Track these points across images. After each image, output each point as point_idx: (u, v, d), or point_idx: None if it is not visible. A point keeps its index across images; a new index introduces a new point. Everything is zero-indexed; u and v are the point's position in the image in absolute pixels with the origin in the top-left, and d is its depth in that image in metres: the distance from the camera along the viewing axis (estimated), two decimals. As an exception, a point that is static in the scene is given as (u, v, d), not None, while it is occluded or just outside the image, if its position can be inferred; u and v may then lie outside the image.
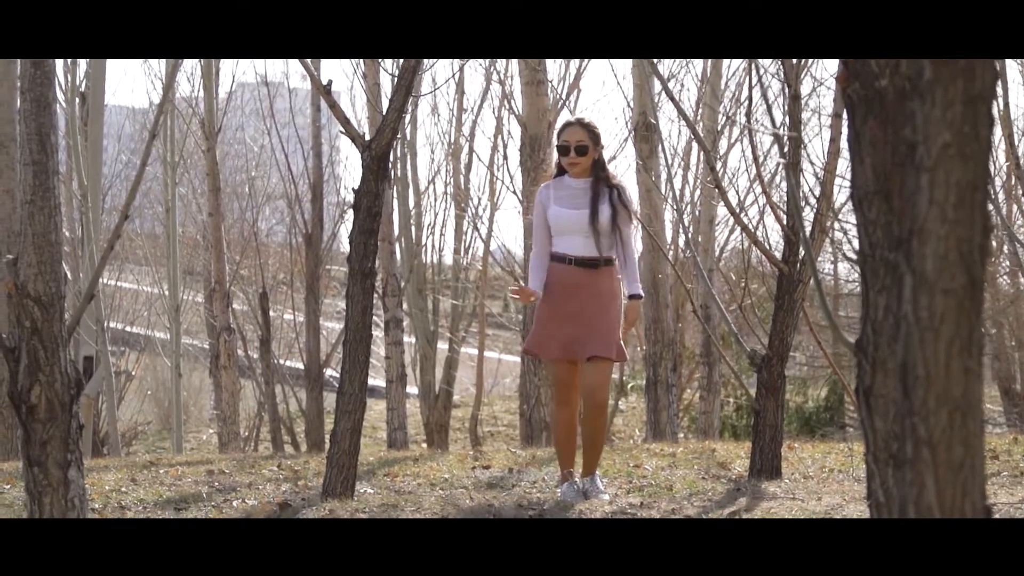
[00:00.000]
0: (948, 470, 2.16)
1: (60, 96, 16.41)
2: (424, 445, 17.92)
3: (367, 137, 6.93)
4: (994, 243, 15.84)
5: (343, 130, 7.04)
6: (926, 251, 2.15)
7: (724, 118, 15.79)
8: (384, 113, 6.91)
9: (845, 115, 2.50)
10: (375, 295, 11.18)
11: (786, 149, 7.30)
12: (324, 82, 7.15)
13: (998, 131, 14.87)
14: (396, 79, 6.89)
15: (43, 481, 4.56)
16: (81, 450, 4.67)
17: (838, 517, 5.95)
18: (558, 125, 7.13)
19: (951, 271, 2.15)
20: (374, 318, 8.18)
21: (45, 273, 4.54)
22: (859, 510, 6.02)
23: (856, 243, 2.48)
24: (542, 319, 6.84)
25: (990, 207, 2.25)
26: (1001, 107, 14.41)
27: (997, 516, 5.77)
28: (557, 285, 6.77)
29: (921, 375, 2.17)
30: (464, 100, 19.42)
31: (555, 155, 6.97)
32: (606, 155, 7.04)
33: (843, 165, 10.72)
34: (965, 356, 2.16)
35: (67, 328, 4.64)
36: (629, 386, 23.71)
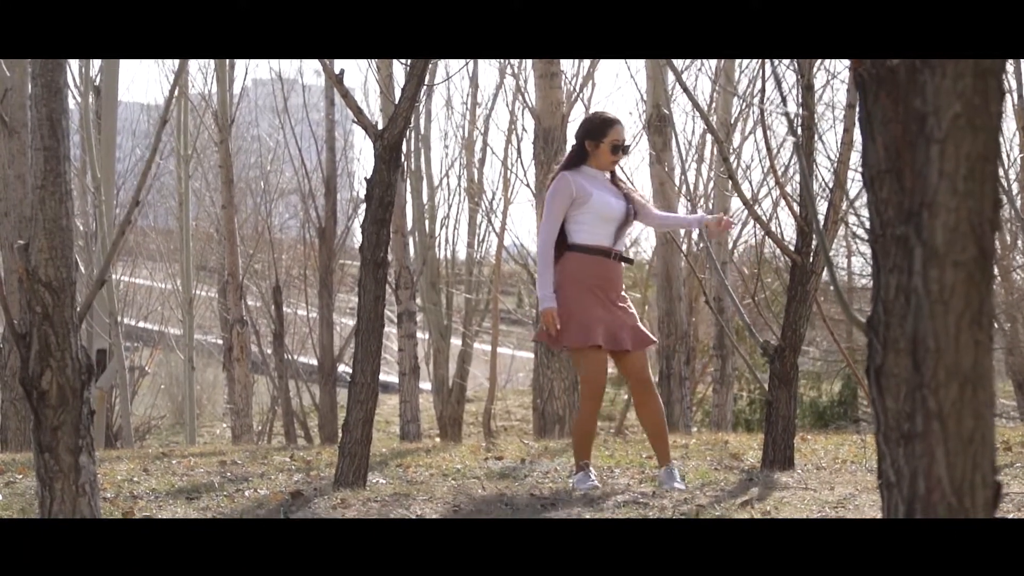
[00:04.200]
0: (958, 442, 2.14)
1: (74, 89, 16.45)
2: (437, 439, 17.92)
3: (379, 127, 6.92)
4: (1008, 237, 15.77)
5: (356, 120, 7.03)
6: (936, 223, 2.14)
7: (738, 107, 15.75)
8: (396, 103, 6.89)
9: (858, 99, 2.49)
10: (388, 287, 11.17)
11: (796, 126, 7.28)
12: (336, 72, 7.15)
13: (1012, 124, 14.82)
14: (409, 68, 6.87)
15: (54, 467, 4.55)
16: (92, 436, 4.67)
17: (850, 506, 5.94)
18: (582, 115, 7.13)
19: (961, 243, 2.14)
20: (387, 311, 8.17)
21: (56, 259, 4.53)
22: (872, 500, 6.01)
23: (868, 227, 2.47)
24: (586, 307, 6.69)
25: (1004, 196, 2.24)
26: (1016, 101, 14.39)
27: (1011, 511, 5.74)
28: (594, 277, 6.72)
29: (931, 348, 2.16)
30: (478, 94, 19.45)
31: (572, 143, 7.00)
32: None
33: (856, 158, 10.70)
34: (975, 328, 2.15)
35: (78, 314, 4.64)
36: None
